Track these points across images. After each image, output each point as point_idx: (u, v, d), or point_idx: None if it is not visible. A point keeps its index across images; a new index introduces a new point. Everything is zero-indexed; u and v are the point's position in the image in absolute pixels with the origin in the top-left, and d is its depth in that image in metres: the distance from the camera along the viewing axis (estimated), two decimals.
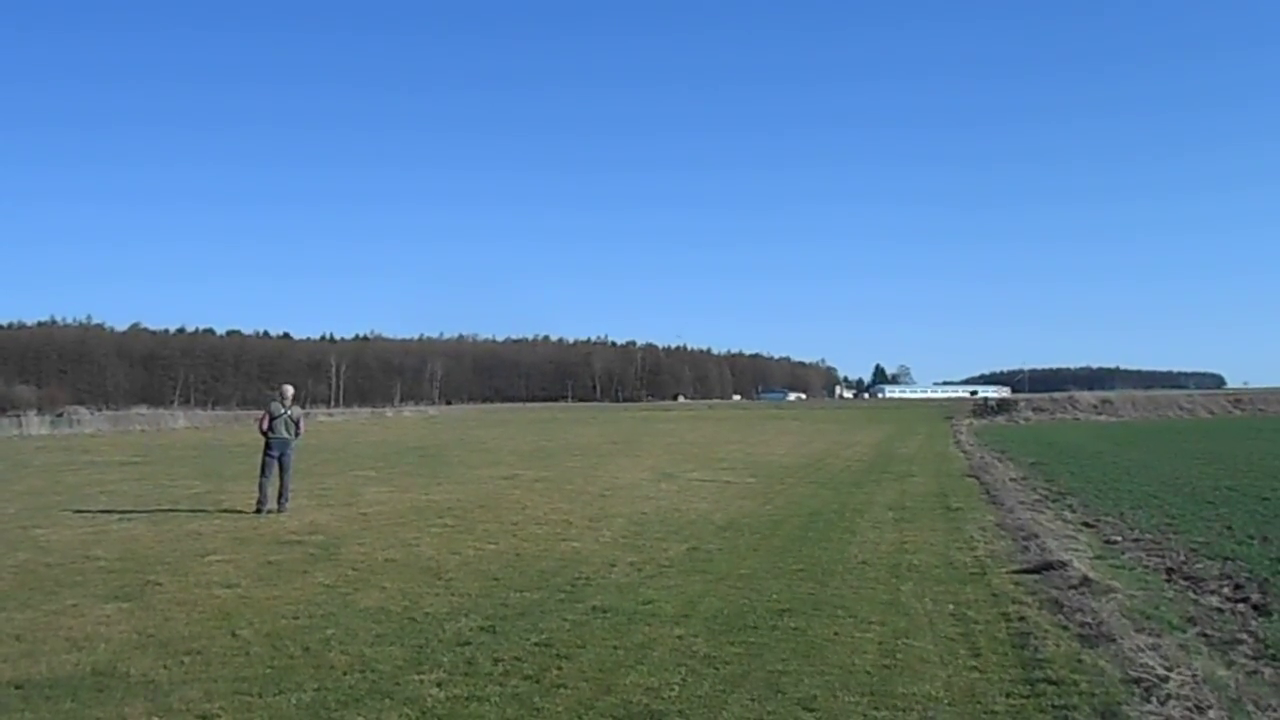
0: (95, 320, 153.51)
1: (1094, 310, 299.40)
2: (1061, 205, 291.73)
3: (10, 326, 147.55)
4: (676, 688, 5.99)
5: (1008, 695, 5.84)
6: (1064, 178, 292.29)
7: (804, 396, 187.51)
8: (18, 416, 47.21)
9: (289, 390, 15.88)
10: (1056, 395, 78.25)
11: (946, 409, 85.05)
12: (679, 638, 7.21)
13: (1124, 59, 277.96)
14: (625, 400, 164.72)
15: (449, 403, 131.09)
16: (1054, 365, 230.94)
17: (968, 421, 58.04)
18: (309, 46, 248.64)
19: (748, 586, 9.14)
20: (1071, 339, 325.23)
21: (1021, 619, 7.74)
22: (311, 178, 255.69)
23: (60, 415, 57.35)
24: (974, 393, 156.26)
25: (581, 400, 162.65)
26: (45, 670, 6.34)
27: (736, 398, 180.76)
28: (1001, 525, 13.24)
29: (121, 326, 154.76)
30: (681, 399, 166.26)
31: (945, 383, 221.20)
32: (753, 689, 5.99)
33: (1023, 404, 69.80)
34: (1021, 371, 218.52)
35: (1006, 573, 9.75)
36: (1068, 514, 14.61)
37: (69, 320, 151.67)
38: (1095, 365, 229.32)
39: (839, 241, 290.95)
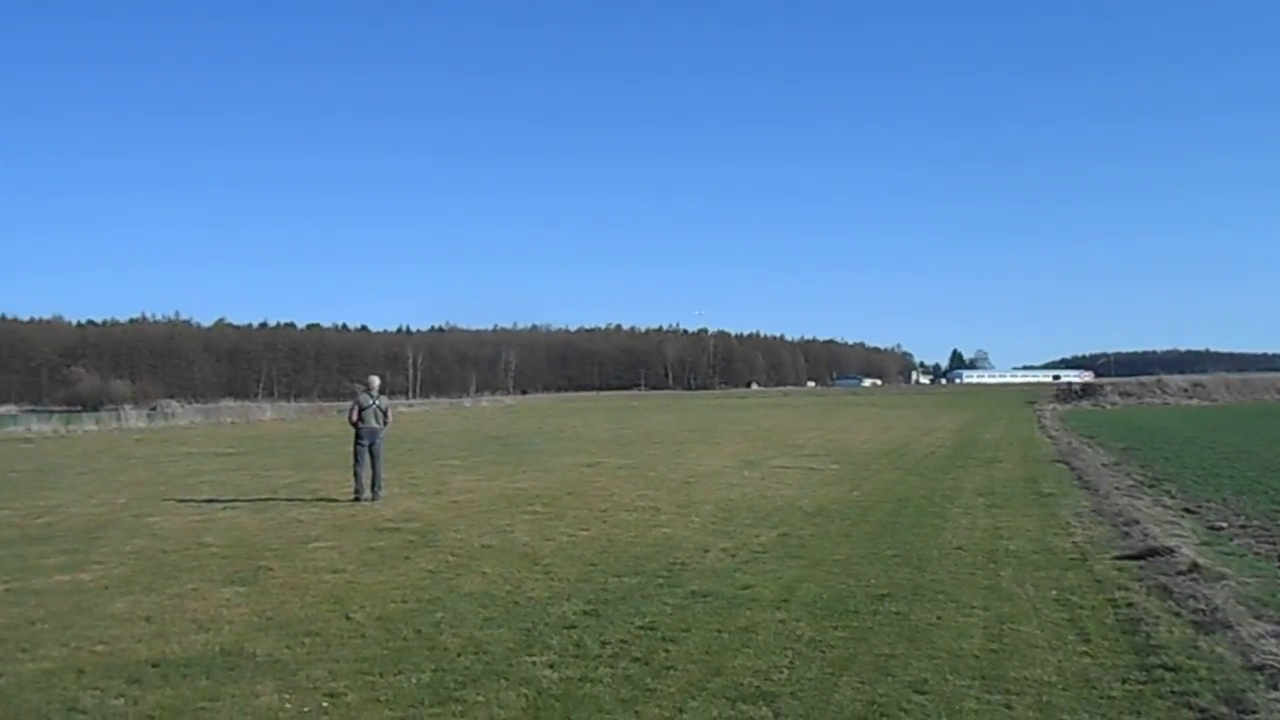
0: (183, 316, 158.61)
1: (1180, 291, 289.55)
2: (1144, 189, 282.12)
3: (104, 324, 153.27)
4: (785, 670, 6.05)
5: (1123, 681, 5.77)
6: (1147, 161, 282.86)
7: (879, 383, 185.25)
8: (116, 410, 49.18)
9: (375, 381, 16.22)
10: (1144, 379, 76.07)
11: (1028, 394, 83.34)
12: (781, 622, 7.26)
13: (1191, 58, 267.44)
14: (698, 388, 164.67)
15: (524, 392, 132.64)
16: (1139, 348, 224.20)
17: (1051, 407, 56.80)
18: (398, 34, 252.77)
19: (844, 572, 9.14)
20: (1157, 321, 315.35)
21: (1130, 605, 7.60)
22: (391, 166, 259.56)
23: (154, 409, 59.62)
24: (1056, 377, 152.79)
25: (654, 388, 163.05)
26: (177, 650, 6.65)
27: (810, 384, 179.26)
28: (1098, 511, 12.98)
29: (207, 322, 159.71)
30: (755, 386, 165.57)
31: (1025, 367, 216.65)
32: (861, 672, 6.02)
33: (1109, 388, 68.03)
34: (1105, 355, 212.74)
35: (1109, 559, 9.57)
36: (1166, 500, 14.25)
37: (158, 317, 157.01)
38: (1183, 348, 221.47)
39: (914, 226, 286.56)
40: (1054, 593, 8.17)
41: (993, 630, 6.98)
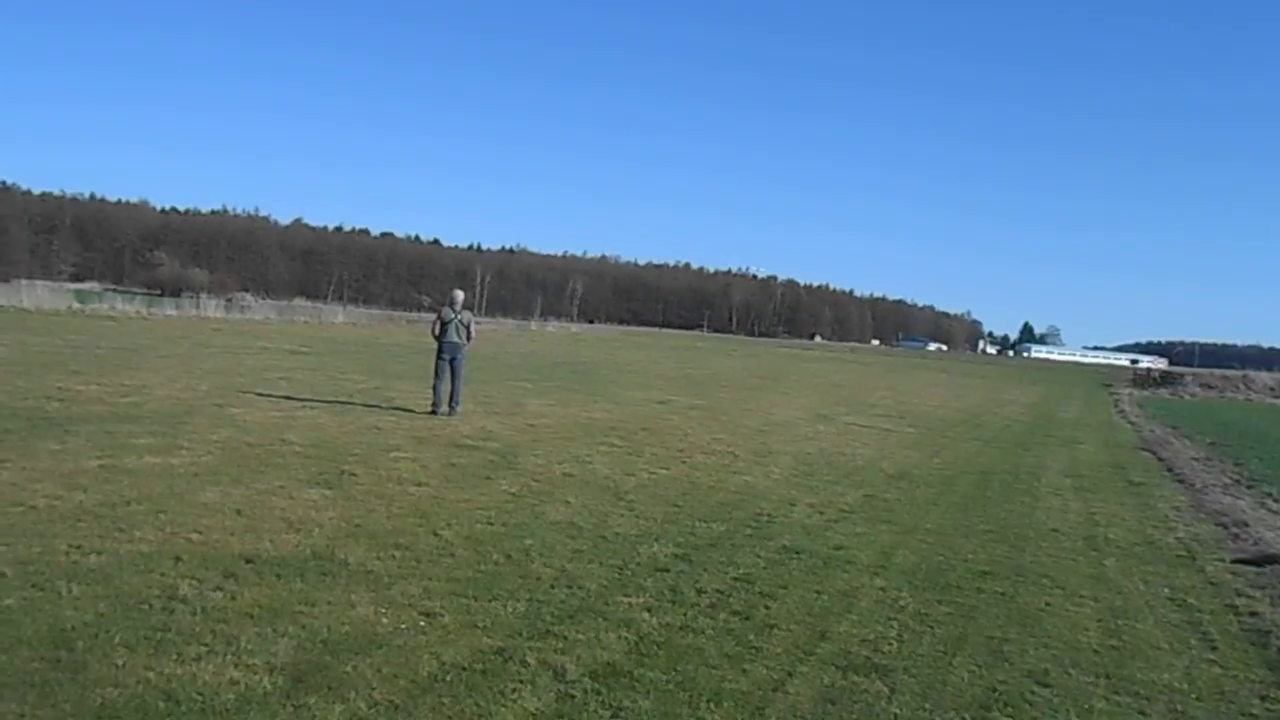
0: (262, 213, 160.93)
1: (1270, 286, 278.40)
2: (1233, 186, 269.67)
3: (187, 212, 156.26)
4: (894, 643, 5.76)
5: (1262, 699, 5.38)
6: (1244, 133, 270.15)
7: (945, 348, 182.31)
8: (195, 298, 50.20)
9: (459, 295, 15.95)
10: (1229, 372, 73.49)
11: (1102, 375, 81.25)
12: (881, 589, 6.96)
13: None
14: (761, 335, 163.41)
15: (591, 321, 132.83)
16: (1220, 340, 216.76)
17: (1128, 391, 55.11)
18: None
19: (939, 543, 8.79)
20: (1241, 314, 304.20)
21: (1254, 614, 7.15)
22: (472, 81, 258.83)
23: (230, 300, 60.83)
24: (1134, 361, 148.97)
25: (717, 331, 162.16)
26: (269, 548, 6.55)
27: (875, 343, 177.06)
28: (1198, 507, 12.41)
29: (285, 220, 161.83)
30: (818, 339, 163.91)
31: (1096, 348, 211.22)
32: (975, 654, 5.71)
33: (1189, 378, 65.78)
34: (1181, 343, 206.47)
35: (1221, 562, 9.07)
36: (1271, 503, 13.56)
37: (239, 210, 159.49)
38: (1266, 344, 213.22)
39: (996, 196, 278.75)
40: (1167, 591, 7.75)
41: (1108, 625, 6.61)
